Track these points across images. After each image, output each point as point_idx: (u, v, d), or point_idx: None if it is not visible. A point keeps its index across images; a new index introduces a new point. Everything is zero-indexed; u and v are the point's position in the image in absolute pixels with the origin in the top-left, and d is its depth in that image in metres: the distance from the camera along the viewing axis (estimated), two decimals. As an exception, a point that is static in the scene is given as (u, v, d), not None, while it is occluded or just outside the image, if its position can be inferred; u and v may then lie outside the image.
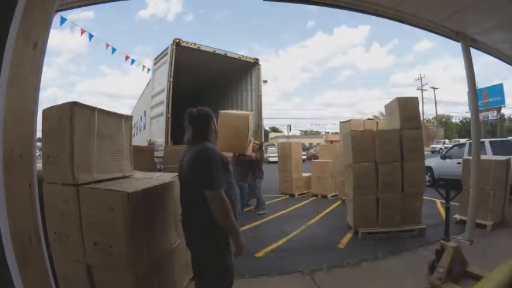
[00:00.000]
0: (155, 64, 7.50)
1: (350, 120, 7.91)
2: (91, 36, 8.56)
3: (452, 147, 10.06)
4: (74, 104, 1.88)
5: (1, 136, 0.92)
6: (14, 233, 0.89)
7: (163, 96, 6.54)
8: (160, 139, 6.64)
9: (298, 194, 8.70)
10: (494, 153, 7.04)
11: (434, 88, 40.01)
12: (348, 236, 4.68)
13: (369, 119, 10.46)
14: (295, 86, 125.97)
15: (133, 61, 10.40)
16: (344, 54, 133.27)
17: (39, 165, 1.70)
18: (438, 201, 6.63)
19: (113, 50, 9.45)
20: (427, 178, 8.34)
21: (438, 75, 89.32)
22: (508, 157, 5.17)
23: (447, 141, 33.13)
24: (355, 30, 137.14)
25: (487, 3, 3.17)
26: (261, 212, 6.46)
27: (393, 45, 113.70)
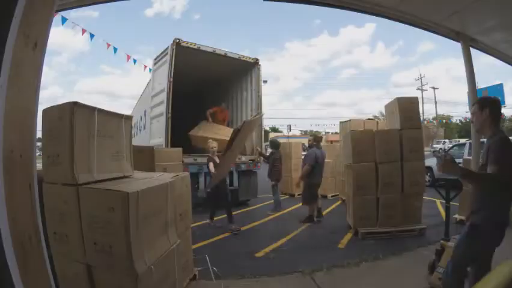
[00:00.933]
0: (155, 64, 7.49)
1: (350, 120, 7.91)
2: (92, 36, 8.52)
3: (452, 147, 10.07)
4: (74, 104, 1.87)
5: (1, 136, 0.92)
6: (14, 233, 0.89)
7: (163, 96, 6.54)
8: (159, 139, 6.64)
9: (298, 194, 8.67)
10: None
11: (434, 88, 40.06)
12: (348, 236, 4.68)
13: (369, 119, 10.47)
14: (296, 86, 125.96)
15: (134, 61, 10.38)
16: (345, 54, 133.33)
17: (39, 165, 1.70)
18: (438, 201, 6.64)
19: (115, 49, 9.41)
20: (427, 178, 8.35)
21: (440, 75, 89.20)
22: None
23: (447, 141, 33.13)
24: (358, 30, 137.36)
25: (487, 3, 3.17)
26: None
27: (397, 45, 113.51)
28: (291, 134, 43.18)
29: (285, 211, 6.82)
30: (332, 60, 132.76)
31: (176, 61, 6.40)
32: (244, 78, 8.14)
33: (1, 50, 0.92)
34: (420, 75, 41.04)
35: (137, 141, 7.78)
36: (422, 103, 36.46)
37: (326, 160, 8.60)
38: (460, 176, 1.97)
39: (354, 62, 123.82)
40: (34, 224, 1.03)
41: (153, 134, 7.33)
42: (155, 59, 7.45)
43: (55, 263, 1.90)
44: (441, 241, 3.11)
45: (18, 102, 1.03)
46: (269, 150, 7.51)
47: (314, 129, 50.84)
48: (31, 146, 1.10)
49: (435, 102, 42.09)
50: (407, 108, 4.82)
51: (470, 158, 4.47)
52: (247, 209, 7.19)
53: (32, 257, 1.00)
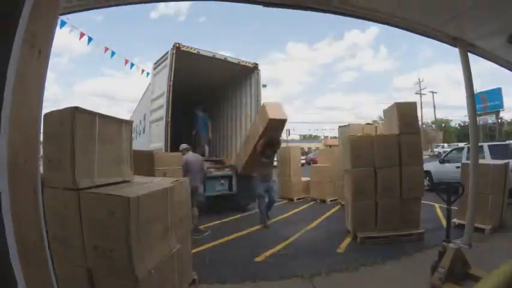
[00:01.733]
0: (155, 68, 7.52)
1: (348, 124, 7.95)
2: (90, 39, 8.48)
3: (451, 151, 10.10)
4: (75, 109, 1.90)
5: (6, 142, 0.94)
6: (19, 239, 0.90)
7: (163, 100, 6.55)
8: (159, 143, 6.65)
9: (297, 199, 8.70)
10: (493, 158, 7.07)
11: (432, 92, 40.14)
12: (347, 240, 4.68)
13: (368, 123, 10.50)
14: (296, 90, 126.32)
15: (132, 65, 10.38)
16: (347, 58, 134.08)
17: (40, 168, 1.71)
18: (437, 206, 6.65)
19: (113, 53, 9.37)
20: (426, 182, 8.37)
21: (440, 79, 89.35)
22: (506, 161, 5.20)
23: (446, 145, 33.25)
24: (360, 35, 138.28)
25: (485, 8, 3.20)
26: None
27: (399, 49, 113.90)
28: (290, 138, 43.09)
29: (284, 215, 6.81)
30: (333, 64, 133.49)
31: (176, 65, 6.43)
32: (244, 83, 8.19)
33: (6, 59, 0.94)
34: (419, 79, 41.05)
35: (136, 145, 7.73)
36: (421, 107, 36.52)
37: (324, 164, 8.68)
38: None
39: (355, 66, 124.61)
40: (39, 229, 1.04)
41: (153, 138, 7.33)
42: (155, 63, 7.49)
43: (56, 268, 1.91)
44: (443, 243, 3.13)
45: (23, 110, 1.04)
46: None
47: (313, 134, 50.86)
48: (35, 152, 1.11)
49: (434, 107, 42.28)
50: (405, 113, 4.84)
51: (469, 162, 4.47)
52: (247, 213, 7.17)
53: (37, 262, 1.01)
